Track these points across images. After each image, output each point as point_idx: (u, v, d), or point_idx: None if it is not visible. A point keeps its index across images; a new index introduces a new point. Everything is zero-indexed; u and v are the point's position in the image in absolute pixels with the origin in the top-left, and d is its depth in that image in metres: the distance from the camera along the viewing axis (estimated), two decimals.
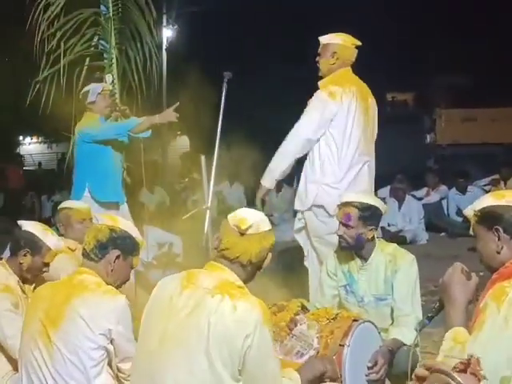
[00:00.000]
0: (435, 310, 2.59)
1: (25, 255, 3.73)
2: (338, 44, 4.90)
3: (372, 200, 4.00)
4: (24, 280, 3.81)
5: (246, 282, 2.83)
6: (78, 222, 4.81)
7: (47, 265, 3.80)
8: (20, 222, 3.87)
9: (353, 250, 3.99)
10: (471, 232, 2.57)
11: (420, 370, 1.94)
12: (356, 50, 4.97)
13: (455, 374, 1.84)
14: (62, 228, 4.87)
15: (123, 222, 3.36)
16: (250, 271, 2.85)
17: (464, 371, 1.88)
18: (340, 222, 3.97)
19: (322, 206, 4.88)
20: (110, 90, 6.09)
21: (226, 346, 2.58)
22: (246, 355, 2.58)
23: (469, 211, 2.57)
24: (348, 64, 4.96)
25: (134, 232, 3.33)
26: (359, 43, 4.96)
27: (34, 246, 3.74)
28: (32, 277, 3.82)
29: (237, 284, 2.76)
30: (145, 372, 2.74)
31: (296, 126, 4.92)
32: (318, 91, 4.90)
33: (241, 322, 2.59)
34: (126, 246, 3.23)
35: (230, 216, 2.87)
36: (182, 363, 2.62)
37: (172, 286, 2.81)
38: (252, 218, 2.83)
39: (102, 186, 5.75)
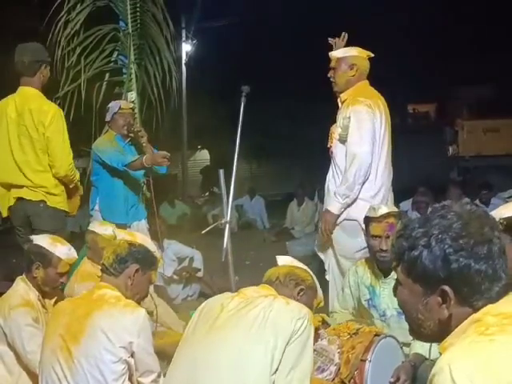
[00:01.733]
0: None
1: (37, 268, 3.75)
2: (355, 56, 4.84)
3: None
4: (43, 294, 3.82)
5: None
6: (103, 249, 4.77)
7: (62, 275, 3.81)
8: (32, 237, 3.89)
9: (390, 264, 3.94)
10: None
11: None
12: (369, 62, 4.91)
13: None
14: (89, 252, 4.86)
15: (141, 237, 3.37)
16: (287, 291, 2.96)
17: None
18: (381, 237, 3.92)
19: (355, 220, 4.76)
20: (132, 108, 6.00)
21: (279, 332, 2.61)
22: (292, 339, 2.62)
23: None
24: (364, 76, 4.89)
25: (152, 247, 3.33)
26: (372, 55, 4.91)
27: (44, 258, 3.75)
28: (50, 290, 3.83)
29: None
30: (187, 360, 2.72)
31: (353, 152, 4.67)
32: (355, 108, 4.70)
33: (293, 311, 2.69)
34: (144, 260, 3.25)
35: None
36: (232, 344, 2.64)
37: (220, 297, 2.91)
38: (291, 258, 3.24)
39: (107, 206, 5.67)
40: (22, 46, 4.94)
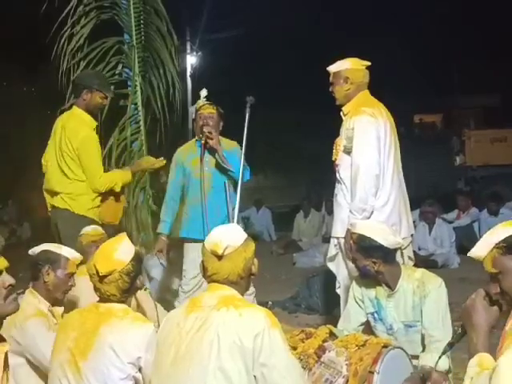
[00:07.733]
0: (457, 336, 2.52)
1: (47, 273, 3.73)
2: (348, 69, 4.79)
3: (371, 233, 3.81)
4: (53, 302, 3.81)
5: (243, 292, 2.89)
6: (89, 246, 4.76)
7: (71, 276, 3.79)
8: (31, 250, 3.88)
9: (368, 279, 3.94)
10: (489, 269, 2.34)
11: None
12: (367, 71, 4.85)
13: None
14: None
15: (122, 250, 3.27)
16: (244, 283, 2.90)
17: None
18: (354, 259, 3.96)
19: None
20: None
21: (238, 354, 2.59)
22: (261, 357, 2.59)
23: (481, 249, 2.36)
24: (363, 87, 4.83)
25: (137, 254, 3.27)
26: (368, 63, 4.86)
27: (52, 260, 3.75)
28: (60, 295, 3.80)
29: (238, 297, 2.81)
30: None
31: (357, 163, 4.60)
32: (358, 119, 4.65)
33: (248, 325, 2.64)
34: (139, 271, 3.22)
35: (205, 242, 2.89)
36: (196, 380, 2.63)
37: (177, 314, 2.89)
38: (225, 239, 2.83)
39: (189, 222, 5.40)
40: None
